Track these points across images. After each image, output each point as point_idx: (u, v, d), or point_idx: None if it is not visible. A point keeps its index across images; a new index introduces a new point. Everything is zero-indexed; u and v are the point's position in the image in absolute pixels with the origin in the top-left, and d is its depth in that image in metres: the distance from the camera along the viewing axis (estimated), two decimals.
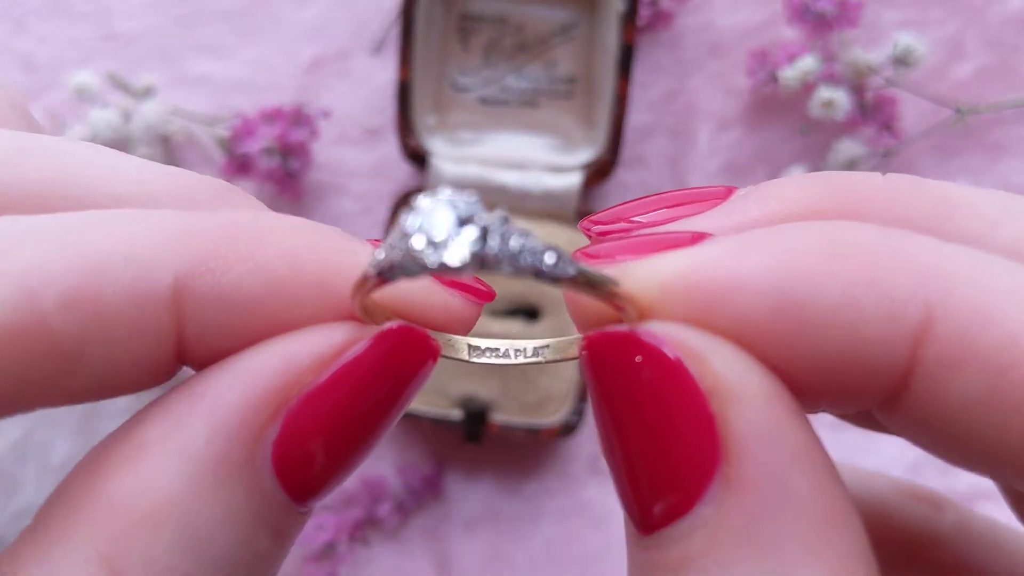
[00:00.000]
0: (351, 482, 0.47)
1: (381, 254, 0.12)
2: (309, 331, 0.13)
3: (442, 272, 0.12)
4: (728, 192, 0.15)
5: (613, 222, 0.15)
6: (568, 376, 0.45)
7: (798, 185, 0.15)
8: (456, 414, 0.45)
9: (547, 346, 0.15)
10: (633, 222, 0.15)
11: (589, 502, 0.48)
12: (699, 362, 0.12)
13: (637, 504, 0.12)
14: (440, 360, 0.14)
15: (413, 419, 0.45)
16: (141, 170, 0.14)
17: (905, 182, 0.15)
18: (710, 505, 0.12)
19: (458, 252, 0.11)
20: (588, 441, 0.48)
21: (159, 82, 0.48)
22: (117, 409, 0.39)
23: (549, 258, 0.12)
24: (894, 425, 0.13)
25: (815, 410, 0.13)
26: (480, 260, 0.11)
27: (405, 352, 0.13)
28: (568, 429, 0.44)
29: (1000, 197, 0.14)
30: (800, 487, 0.12)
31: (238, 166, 0.46)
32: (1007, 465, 0.12)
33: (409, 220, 0.12)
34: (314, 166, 0.48)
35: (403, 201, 0.46)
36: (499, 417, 0.44)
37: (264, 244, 0.13)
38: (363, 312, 0.13)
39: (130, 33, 0.49)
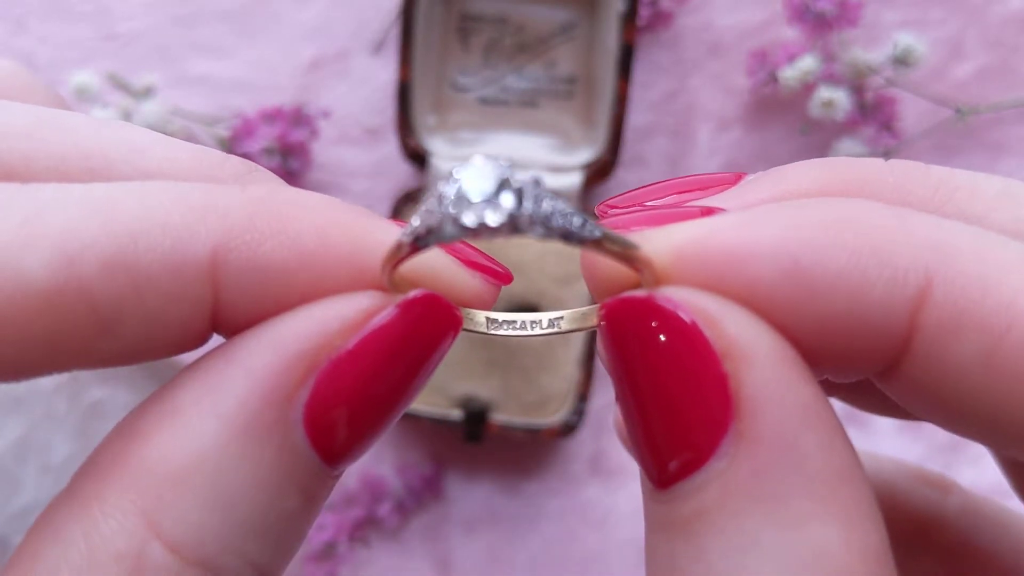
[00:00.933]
0: (351, 482, 0.47)
1: (416, 221, 0.13)
2: (338, 298, 0.14)
3: (479, 233, 0.12)
4: (738, 178, 0.16)
5: (629, 206, 0.16)
6: (568, 376, 0.45)
7: (807, 169, 0.15)
8: (456, 414, 0.45)
9: (561, 317, 0.16)
10: (647, 206, 0.16)
11: (589, 502, 0.48)
12: (713, 325, 0.13)
13: (654, 460, 0.13)
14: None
15: (413, 419, 0.45)
16: (167, 147, 0.15)
17: (909, 167, 0.15)
18: (723, 459, 0.12)
19: (496, 213, 0.12)
20: (588, 441, 0.48)
21: (159, 82, 0.48)
22: (117, 408, 0.39)
23: (577, 221, 0.12)
24: (896, 392, 0.14)
25: (821, 375, 0.14)
26: (515, 221, 0.12)
27: (430, 320, 0.14)
28: (568, 429, 0.44)
29: (1001, 181, 0.15)
30: (808, 442, 0.12)
31: None
32: (1004, 431, 0.13)
33: (447, 185, 0.12)
34: (314, 166, 0.49)
35: (404, 201, 0.46)
36: (499, 417, 0.44)
37: (294, 218, 0.13)
38: (391, 284, 0.14)
39: (130, 33, 0.49)
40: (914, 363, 0.13)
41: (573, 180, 0.45)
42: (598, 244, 0.13)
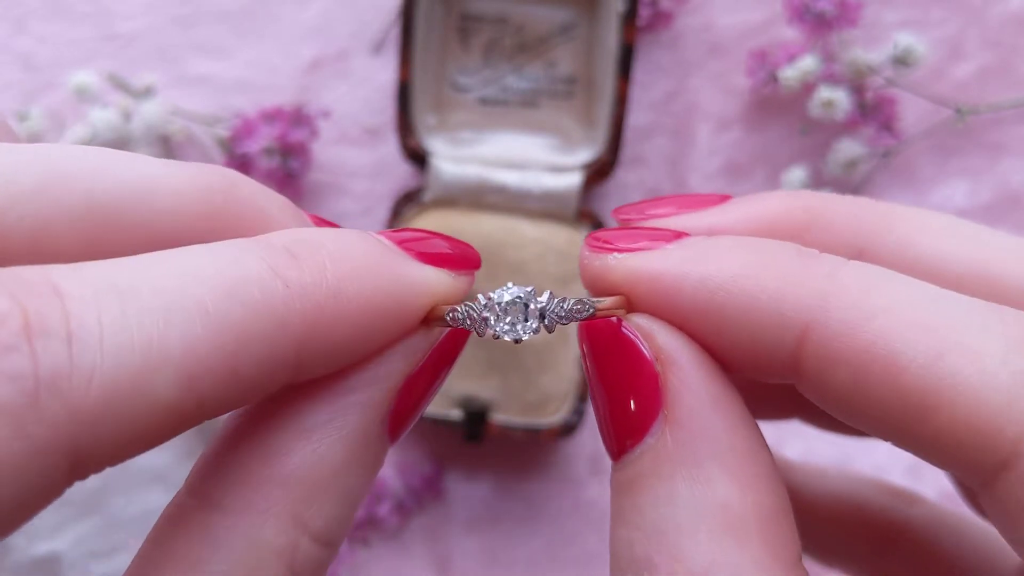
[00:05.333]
0: None
1: (459, 315, 0.18)
2: (408, 344, 0.18)
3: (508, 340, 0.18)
4: (724, 199, 0.20)
5: (635, 212, 0.21)
6: (568, 376, 0.45)
7: (776, 198, 0.20)
8: (456, 414, 0.45)
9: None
10: (647, 214, 0.20)
11: (589, 502, 0.48)
12: (649, 338, 0.17)
13: (611, 438, 0.18)
14: None
15: None
16: (165, 179, 0.17)
17: (862, 201, 0.20)
18: (654, 436, 0.17)
19: (527, 331, 0.18)
20: (588, 441, 0.48)
21: (159, 82, 0.48)
22: None
23: (578, 312, 0.18)
24: (808, 396, 0.17)
25: (748, 376, 0.18)
26: (543, 329, 0.18)
27: (455, 342, 0.19)
28: (568, 429, 0.44)
29: (945, 217, 0.19)
30: (717, 424, 0.17)
31: (238, 166, 0.46)
32: (883, 434, 0.16)
33: (483, 308, 0.18)
34: (314, 166, 0.49)
35: (403, 201, 0.46)
36: (499, 417, 0.44)
37: (351, 298, 0.16)
38: (423, 324, 0.19)
39: (130, 33, 0.49)
40: (807, 380, 0.17)
41: (573, 180, 0.45)
42: (592, 316, 0.18)
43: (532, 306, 0.18)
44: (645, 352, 0.17)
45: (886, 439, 0.16)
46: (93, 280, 0.14)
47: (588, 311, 0.18)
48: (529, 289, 0.18)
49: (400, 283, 0.17)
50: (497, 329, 0.18)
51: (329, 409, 0.17)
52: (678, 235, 0.19)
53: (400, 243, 0.18)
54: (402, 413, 0.18)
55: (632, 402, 0.17)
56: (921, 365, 0.15)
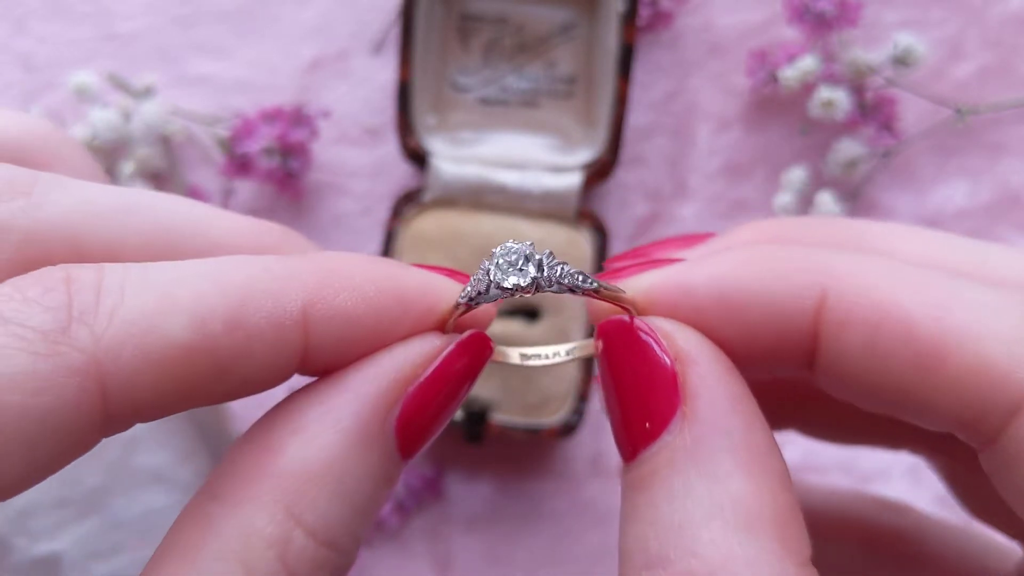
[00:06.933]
0: None
1: (468, 287, 0.18)
2: (417, 340, 0.18)
3: (514, 293, 0.18)
4: (709, 236, 0.22)
5: (629, 258, 0.22)
6: (569, 376, 0.45)
7: (752, 228, 0.21)
8: (456, 414, 0.45)
9: (575, 347, 0.22)
10: (642, 251, 0.21)
11: (589, 502, 0.48)
12: (668, 338, 0.18)
13: (626, 436, 0.18)
14: None
15: None
16: (224, 219, 0.19)
17: (835, 220, 0.21)
18: (672, 433, 0.17)
19: (525, 279, 0.18)
20: (589, 441, 0.48)
21: (159, 82, 0.48)
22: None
23: (580, 277, 0.18)
24: (819, 380, 0.18)
25: (762, 374, 0.19)
26: (537, 283, 0.18)
27: (476, 351, 0.19)
28: (569, 429, 0.44)
29: (910, 228, 0.20)
30: (733, 422, 0.17)
31: (238, 166, 0.46)
32: (890, 402, 0.17)
33: (488, 261, 0.18)
34: (314, 166, 0.49)
35: (404, 201, 0.46)
36: (500, 417, 0.44)
37: (354, 275, 0.18)
38: (447, 328, 0.19)
39: (130, 33, 0.49)
40: (822, 355, 0.17)
41: (573, 180, 0.45)
42: (596, 292, 0.18)
43: (532, 255, 0.18)
44: (663, 351, 0.18)
45: (897, 408, 0.17)
46: (132, 266, 0.16)
47: (590, 284, 0.18)
48: (529, 243, 0.18)
49: (405, 274, 0.18)
50: (497, 276, 0.18)
51: (324, 405, 0.17)
52: (674, 261, 0.20)
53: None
54: (413, 423, 0.18)
55: (650, 400, 0.17)
56: (931, 318, 0.16)
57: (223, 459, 0.18)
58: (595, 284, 0.18)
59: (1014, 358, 0.15)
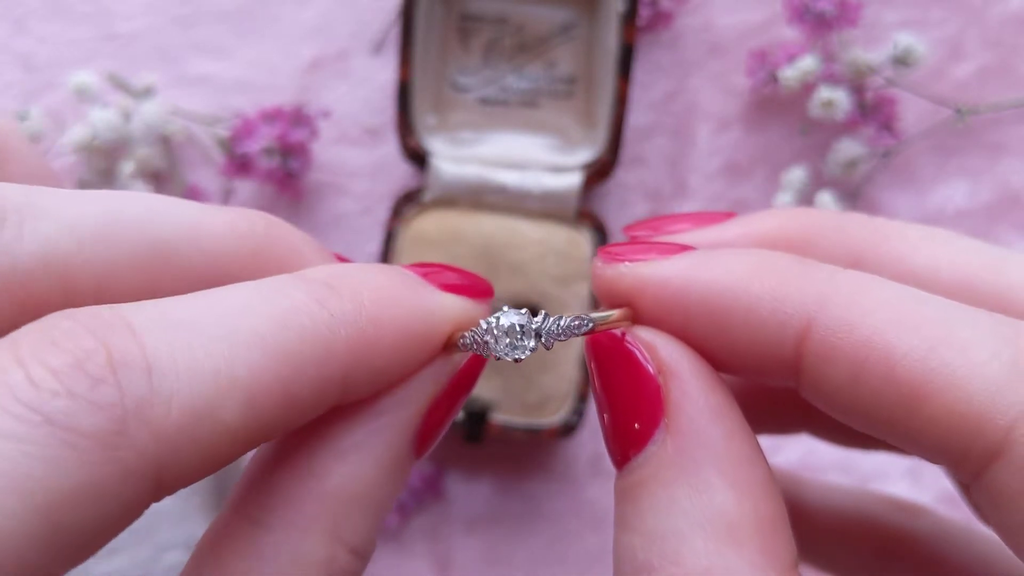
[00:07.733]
0: None
1: (467, 337, 0.19)
2: (434, 368, 0.19)
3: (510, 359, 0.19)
4: (728, 216, 0.22)
5: (647, 229, 0.22)
6: (569, 376, 0.45)
7: (773, 216, 0.21)
8: (456, 414, 0.45)
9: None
10: (662, 230, 0.22)
11: (589, 502, 0.48)
12: (652, 350, 0.18)
13: (615, 446, 0.18)
14: None
15: None
16: (213, 219, 0.18)
17: (853, 216, 0.21)
18: (655, 444, 0.17)
19: (525, 352, 0.19)
20: (588, 441, 0.48)
21: (159, 82, 0.48)
22: None
23: (576, 326, 0.18)
24: (807, 397, 0.18)
25: (749, 379, 0.20)
26: (538, 348, 0.19)
27: (473, 367, 0.20)
28: (568, 429, 0.44)
29: (924, 228, 0.20)
30: (715, 433, 0.17)
31: (238, 166, 0.46)
32: (879, 431, 0.17)
33: (485, 333, 0.19)
34: (314, 166, 0.49)
35: (403, 201, 0.46)
36: (499, 417, 0.44)
37: (385, 332, 0.18)
38: (445, 349, 0.20)
39: (130, 33, 0.49)
40: (805, 380, 0.17)
41: (573, 180, 0.45)
42: (592, 331, 0.19)
43: (528, 327, 0.19)
44: (647, 364, 0.18)
45: (882, 435, 0.17)
46: (158, 316, 0.15)
47: (587, 326, 0.19)
48: (523, 311, 0.19)
49: (427, 308, 0.19)
50: (497, 351, 0.19)
51: (363, 431, 0.18)
52: (684, 248, 0.20)
53: (422, 276, 0.20)
54: (428, 432, 0.19)
55: (635, 412, 0.18)
56: (914, 358, 0.16)
57: (252, 480, 0.18)
58: (591, 324, 0.19)
59: (996, 403, 0.15)
